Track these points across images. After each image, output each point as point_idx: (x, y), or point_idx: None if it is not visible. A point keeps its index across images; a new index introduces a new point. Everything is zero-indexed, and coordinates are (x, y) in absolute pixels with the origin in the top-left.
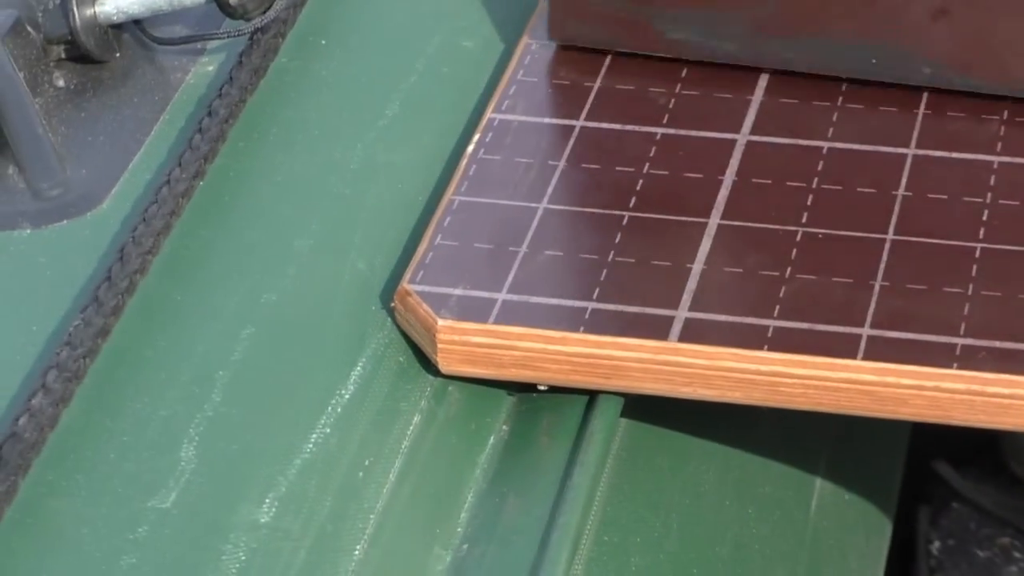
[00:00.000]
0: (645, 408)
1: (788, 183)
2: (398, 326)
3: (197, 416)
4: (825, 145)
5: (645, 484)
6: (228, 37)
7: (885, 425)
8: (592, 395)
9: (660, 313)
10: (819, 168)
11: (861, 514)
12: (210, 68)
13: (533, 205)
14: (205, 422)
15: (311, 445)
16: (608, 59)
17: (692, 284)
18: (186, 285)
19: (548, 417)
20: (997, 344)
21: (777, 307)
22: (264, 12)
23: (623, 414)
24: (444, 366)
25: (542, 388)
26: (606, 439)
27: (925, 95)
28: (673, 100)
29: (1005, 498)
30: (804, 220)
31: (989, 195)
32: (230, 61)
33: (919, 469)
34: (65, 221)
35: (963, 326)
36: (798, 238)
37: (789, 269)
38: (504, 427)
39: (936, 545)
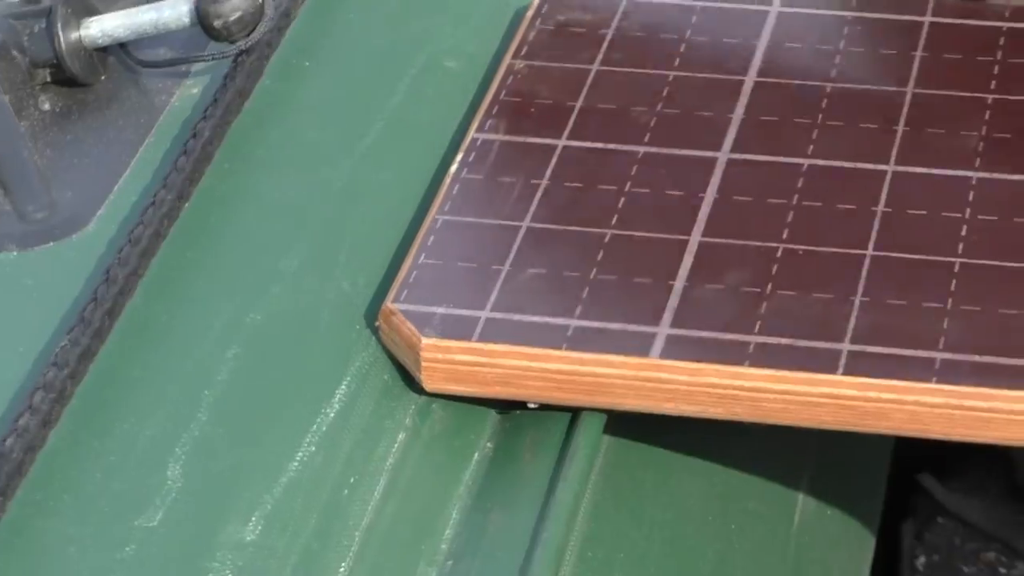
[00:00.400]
0: (628, 424)
1: (769, 200)
2: (383, 345)
3: (183, 435)
4: (805, 162)
5: (628, 500)
6: (213, 59)
7: (868, 439)
8: (575, 412)
9: (642, 330)
10: (799, 185)
11: (844, 529)
12: (195, 90)
13: (516, 224)
14: (191, 441)
15: (296, 463)
16: (590, 78)
17: (674, 301)
18: (172, 305)
19: (532, 434)
20: (976, 358)
21: (758, 323)
22: (248, 35)
23: (606, 430)
24: (428, 384)
25: (532, 406)
26: (589, 455)
27: (905, 111)
28: (654, 119)
29: (991, 512)
30: (785, 237)
31: (968, 210)
32: (215, 83)
33: (904, 482)
34: (51, 243)
35: (942, 340)
36: (779, 254)
37: (770, 285)
38: (488, 444)
39: (921, 560)
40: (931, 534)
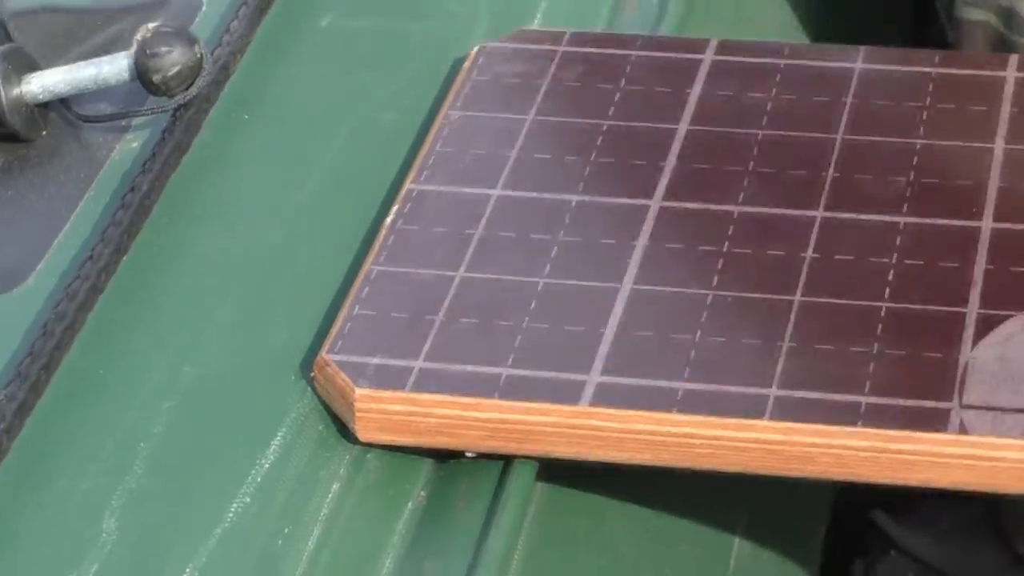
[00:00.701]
0: (561, 471)
1: (700, 247)
2: (318, 396)
3: (119, 488)
4: (736, 210)
5: (562, 546)
6: (152, 114)
7: (808, 482)
8: (508, 459)
9: (572, 378)
10: (730, 232)
11: (781, 572)
12: (135, 144)
13: (450, 274)
14: (127, 494)
15: (231, 514)
16: (525, 128)
17: (604, 349)
18: (109, 359)
19: (465, 482)
20: (901, 402)
21: (687, 370)
22: (187, 89)
23: (539, 477)
24: (362, 434)
25: (470, 455)
26: (522, 503)
27: (834, 157)
28: (588, 168)
29: (943, 547)
30: (715, 284)
31: (895, 255)
32: (155, 137)
33: (858, 519)
34: None
35: (868, 385)
36: (708, 301)
37: (699, 332)
38: (422, 493)
39: None
40: (884, 570)
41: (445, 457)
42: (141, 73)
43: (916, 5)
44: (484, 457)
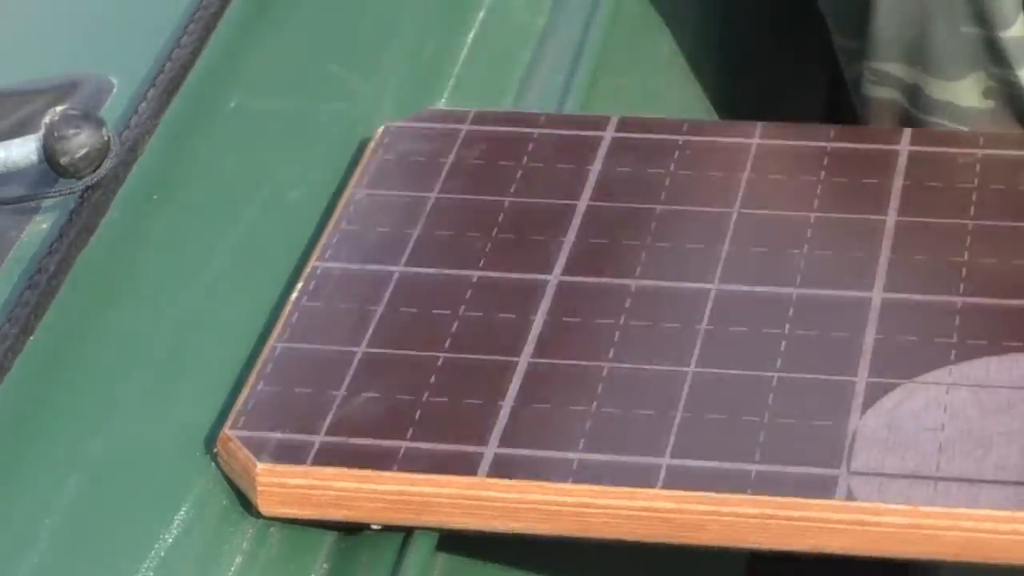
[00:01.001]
0: (461, 542)
1: (597, 321)
2: (222, 471)
3: (23, 565)
4: (633, 283)
5: None
6: (60, 196)
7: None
8: (409, 531)
9: (470, 450)
10: (627, 305)
11: None
12: (44, 226)
13: (352, 349)
14: (31, 570)
15: None
16: (428, 205)
17: (502, 421)
18: (15, 436)
19: (366, 554)
20: (791, 469)
21: (583, 440)
22: (95, 170)
23: (440, 548)
24: (264, 508)
25: (375, 527)
26: (422, 574)
27: (731, 230)
28: (489, 244)
29: None
30: (611, 356)
31: (787, 326)
32: (63, 218)
33: None
34: None
35: (758, 453)
36: (605, 373)
37: (595, 403)
38: (324, 565)
39: None
40: None
41: (351, 530)
42: (49, 156)
43: (828, 82)
44: (387, 529)
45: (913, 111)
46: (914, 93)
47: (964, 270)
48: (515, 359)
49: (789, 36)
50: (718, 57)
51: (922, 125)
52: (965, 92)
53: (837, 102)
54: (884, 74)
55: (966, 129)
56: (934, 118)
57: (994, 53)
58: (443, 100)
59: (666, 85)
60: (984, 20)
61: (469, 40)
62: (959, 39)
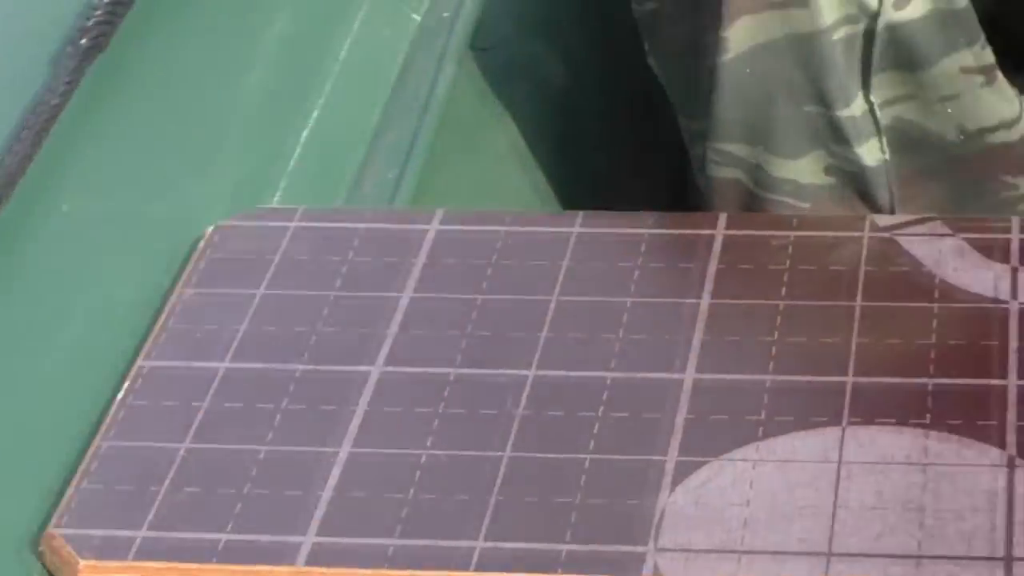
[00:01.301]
0: None
1: (417, 410)
2: (47, 569)
3: None
4: (452, 372)
5: None
6: None
7: None
8: None
9: (289, 540)
10: (446, 394)
11: None
12: None
13: (175, 446)
14: None
15: None
16: (255, 303)
17: (320, 511)
18: None
19: None
20: (600, 548)
21: (399, 527)
22: None
23: None
24: None
25: None
26: None
27: (548, 319)
28: (315, 337)
29: None
30: (429, 444)
31: (601, 409)
32: None
33: None
34: None
35: (569, 533)
36: (422, 461)
37: (413, 490)
38: None
39: None
40: None
41: None
42: None
43: (675, 166)
44: None
45: (756, 190)
46: (757, 172)
47: (774, 349)
48: (335, 449)
49: (631, 123)
50: (557, 148)
51: (765, 203)
52: (806, 170)
53: (684, 185)
54: (727, 154)
55: (808, 206)
56: (776, 196)
57: (834, 131)
58: (276, 198)
59: (503, 178)
60: (824, 99)
61: (303, 138)
62: (800, 118)
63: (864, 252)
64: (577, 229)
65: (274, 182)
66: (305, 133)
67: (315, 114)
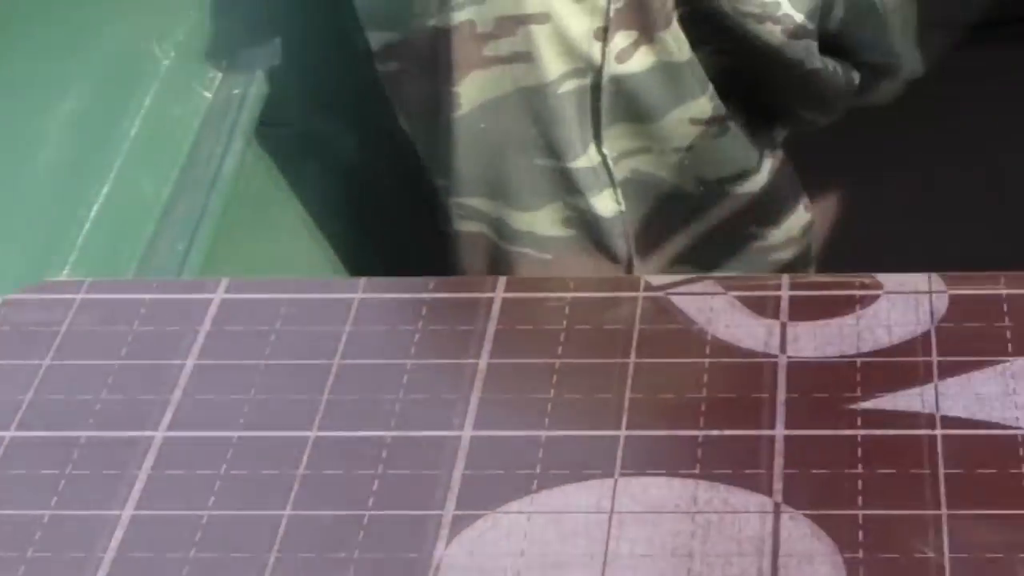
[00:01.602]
0: None
1: (199, 472)
2: None
3: None
4: (235, 435)
5: None
6: None
7: None
8: None
9: None
10: (228, 456)
11: None
12: None
13: None
14: None
15: None
16: (41, 372)
17: (103, 571)
18: None
19: None
20: None
21: None
22: None
23: None
24: None
25: None
26: None
27: (329, 382)
28: (99, 404)
29: None
30: (211, 504)
31: (380, 466)
32: None
33: None
34: None
35: None
36: (204, 521)
37: (194, 550)
38: None
39: None
40: None
41: None
42: None
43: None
44: None
45: (500, 242)
46: (499, 225)
47: (549, 406)
48: (118, 512)
49: (419, 190)
50: (346, 219)
51: (509, 256)
52: (544, 222)
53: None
54: (471, 208)
55: (550, 257)
56: (518, 248)
57: (568, 183)
58: (66, 271)
59: (292, 250)
60: (556, 151)
61: (93, 212)
62: (534, 171)
63: (639, 311)
64: (360, 295)
65: (64, 255)
66: (96, 207)
67: (105, 189)
